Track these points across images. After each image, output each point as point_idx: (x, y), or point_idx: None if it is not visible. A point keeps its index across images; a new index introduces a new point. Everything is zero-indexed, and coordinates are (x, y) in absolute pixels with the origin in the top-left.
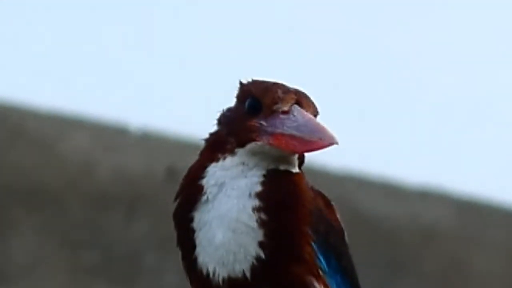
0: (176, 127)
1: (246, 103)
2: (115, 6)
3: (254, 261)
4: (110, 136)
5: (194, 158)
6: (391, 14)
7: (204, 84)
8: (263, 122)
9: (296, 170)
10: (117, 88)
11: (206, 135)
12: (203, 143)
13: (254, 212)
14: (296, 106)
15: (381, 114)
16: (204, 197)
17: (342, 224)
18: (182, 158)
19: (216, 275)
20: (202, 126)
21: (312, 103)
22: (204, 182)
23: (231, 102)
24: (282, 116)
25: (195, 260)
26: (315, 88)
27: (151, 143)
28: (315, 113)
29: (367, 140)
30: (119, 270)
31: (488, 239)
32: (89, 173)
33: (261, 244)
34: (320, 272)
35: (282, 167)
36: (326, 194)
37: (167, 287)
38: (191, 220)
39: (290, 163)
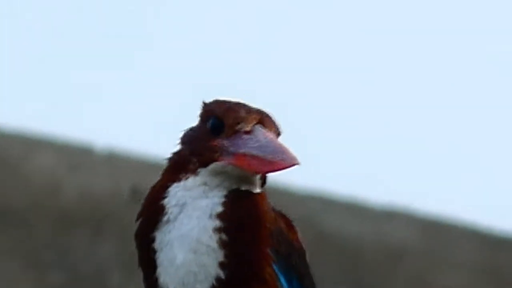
0: (141, 147)
1: (209, 123)
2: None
3: (215, 282)
4: (76, 155)
5: (158, 177)
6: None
7: (168, 104)
8: (225, 142)
9: (258, 190)
10: (82, 108)
11: (169, 155)
12: (166, 162)
13: (215, 233)
14: (258, 126)
15: (345, 133)
16: (166, 218)
17: (304, 245)
18: (147, 177)
19: None
20: (167, 146)
21: (275, 123)
22: (165, 202)
23: (195, 122)
24: (244, 136)
25: (156, 280)
26: (277, 110)
27: (116, 162)
28: (278, 133)
29: (331, 160)
30: None
31: (453, 258)
32: (54, 193)
33: (221, 265)
34: None
35: (244, 187)
36: (290, 214)
37: None
38: (153, 240)
39: (252, 183)
